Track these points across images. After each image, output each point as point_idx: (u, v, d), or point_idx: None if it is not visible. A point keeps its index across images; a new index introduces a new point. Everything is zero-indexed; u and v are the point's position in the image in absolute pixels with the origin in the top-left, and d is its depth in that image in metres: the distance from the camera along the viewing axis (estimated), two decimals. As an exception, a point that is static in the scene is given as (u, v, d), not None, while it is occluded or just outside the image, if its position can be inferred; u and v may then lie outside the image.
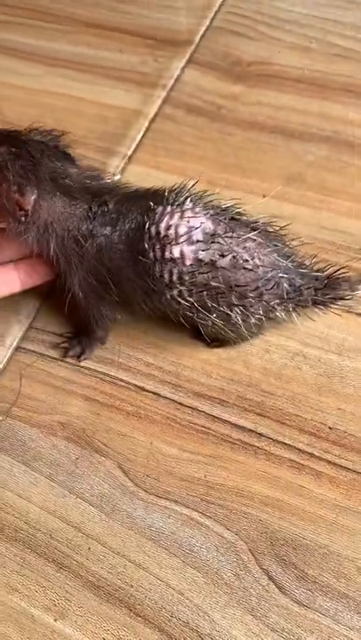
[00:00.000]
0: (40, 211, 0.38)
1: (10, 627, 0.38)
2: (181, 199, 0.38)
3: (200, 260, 0.37)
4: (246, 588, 0.38)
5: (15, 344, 0.48)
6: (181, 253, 0.37)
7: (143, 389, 0.45)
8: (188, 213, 0.38)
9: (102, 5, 0.66)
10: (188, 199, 0.39)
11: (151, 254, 0.38)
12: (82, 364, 0.46)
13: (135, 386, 0.45)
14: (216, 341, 0.44)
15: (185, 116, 0.57)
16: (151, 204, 0.38)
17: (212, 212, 0.38)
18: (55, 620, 0.38)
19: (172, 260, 0.37)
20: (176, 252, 0.37)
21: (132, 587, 0.39)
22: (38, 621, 0.38)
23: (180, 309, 0.39)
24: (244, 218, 0.39)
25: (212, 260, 0.37)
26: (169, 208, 0.38)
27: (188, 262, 0.37)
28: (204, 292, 0.38)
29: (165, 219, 0.37)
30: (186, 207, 0.38)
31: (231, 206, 0.39)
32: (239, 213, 0.39)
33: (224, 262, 0.37)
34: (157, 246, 0.37)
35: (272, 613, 0.37)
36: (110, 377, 0.46)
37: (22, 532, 0.41)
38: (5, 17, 0.66)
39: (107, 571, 0.39)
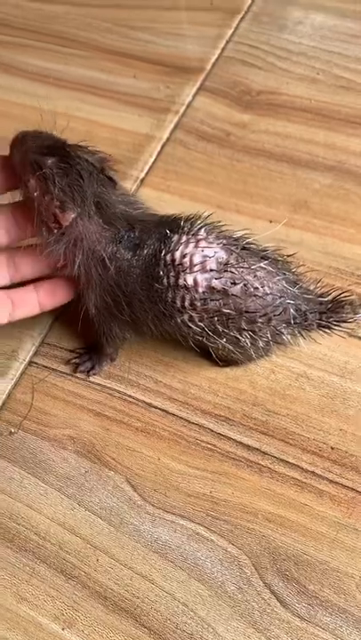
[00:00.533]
0: (74, 228, 0.40)
1: (19, 635, 0.39)
2: (196, 228, 0.40)
3: (213, 288, 0.39)
4: (249, 602, 0.39)
5: (28, 359, 0.49)
6: (195, 281, 0.39)
7: (151, 406, 0.46)
8: (203, 243, 0.39)
9: (116, 32, 0.68)
10: (203, 229, 0.40)
11: (165, 280, 0.39)
12: (92, 379, 0.48)
13: (144, 402, 0.47)
14: (224, 362, 0.46)
15: (196, 142, 0.59)
16: (167, 231, 0.40)
17: (224, 241, 0.40)
18: (63, 629, 0.39)
19: (186, 287, 0.39)
20: (190, 279, 0.39)
21: (138, 598, 0.40)
22: (46, 630, 0.40)
23: (191, 333, 0.41)
24: (254, 247, 0.41)
25: (224, 287, 0.39)
26: (184, 237, 0.40)
27: (200, 290, 0.39)
28: (215, 318, 0.39)
29: (181, 247, 0.39)
30: (200, 236, 0.40)
31: (242, 236, 0.41)
32: (249, 243, 0.41)
33: (235, 290, 0.39)
34: (172, 273, 0.39)
35: (274, 627, 0.38)
36: (120, 393, 0.47)
37: (32, 543, 0.42)
38: (20, 40, 0.69)
39: (114, 582, 0.41)
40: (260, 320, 0.39)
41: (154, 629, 0.39)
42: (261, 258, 0.40)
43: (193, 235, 0.40)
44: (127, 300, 0.41)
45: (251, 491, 0.42)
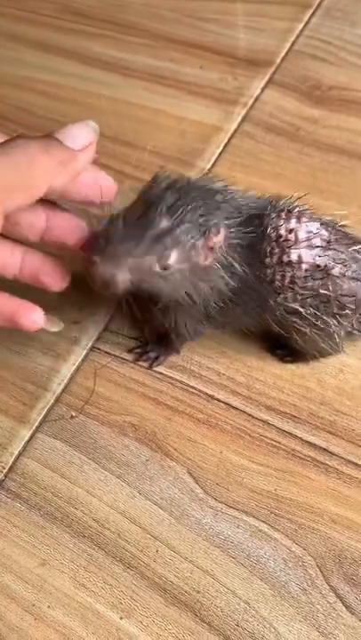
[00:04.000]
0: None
1: (76, 621, 0.39)
2: (290, 207, 0.39)
3: (317, 266, 0.38)
4: (313, 604, 0.38)
5: (90, 344, 0.49)
6: (299, 257, 0.38)
7: (214, 398, 0.46)
8: (304, 219, 0.38)
9: (184, 23, 0.68)
10: (296, 208, 0.39)
11: (268, 259, 0.38)
12: (154, 368, 0.47)
13: (206, 394, 0.46)
14: (291, 357, 0.45)
15: (264, 135, 0.58)
16: (267, 211, 0.39)
17: (320, 220, 0.39)
18: (121, 619, 0.39)
19: (290, 263, 0.38)
20: (294, 255, 0.38)
21: (198, 592, 0.39)
22: (104, 618, 0.39)
23: (279, 317, 0.39)
24: (347, 231, 0.40)
25: (326, 266, 0.38)
26: (283, 214, 0.39)
27: (304, 267, 0.38)
28: (310, 299, 0.38)
29: (283, 223, 0.38)
30: (298, 214, 0.39)
31: (333, 219, 0.40)
32: (342, 226, 0.40)
33: (336, 271, 0.38)
34: (276, 250, 0.38)
35: (339, 632, 0.37)
36: (181, 383, 0.46)
37: (91, 529, 0.42)
38: (90, 28, 0.69)
39: (174, 574, 0.40)
40: (349, 305, 0.38)
41: (214, 625, 0.38)
42: (355, 242, 0.39)
43: (290, 212, 0.39)
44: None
45: (317, 491, 0.41)
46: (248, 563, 0.40)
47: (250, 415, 0.45)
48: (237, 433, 0.44)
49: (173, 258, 0.35)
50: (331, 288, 0.38)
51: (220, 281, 0.38)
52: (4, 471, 0.44)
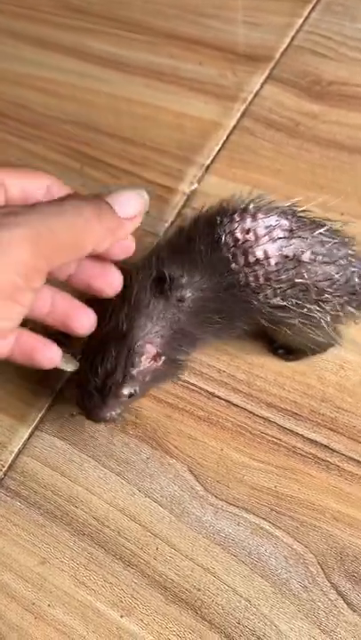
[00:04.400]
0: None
1: (76, 619, 0.39)
2: (243, 206, 0.39)
3: (285, 257, 0.37)
4: (314, 601, 0.38)
5: (90, 342, 0.48)
6: (265, 253, 0.37)
7: (214, 395, 0.45)
8: (260, 215, 0.38)
9: (183, 18, 0.67)
10: (250, 205, 0.39)
11: (234, 264, 0.38)
12: (154, 366, 0.47)
13: (207, 392, 0.46)
14: (291, 355, 0.45)
15: (263, 131, 0.58)
16: (217, 218, 0.38)
17: (278, 211, 0.39)
18: (121, 617, 0.39)
19: (257, 261, 0.37)
20: (260, 252, 0.37)
21: (199, 590, 0.39)
22: (104, 616, 0.39)
23: (266, 314, 0.39)
24: (306, 216, 0.40)
25: (295, 254, 0.37)
26: (236, 215, 0.38)
27: (273, 261, 0.37)
28: (288, 291, 0.38)
29: (238, 225, 0.38)
30: (252, 211, 0.38)
31: (291, 206, 0.40)
32: (302, 211, 0.39)
33: (306, 257, 0.38)
34: (238, 253, 0.38)
35: (340, 629, 0.37)
36: (182, 381, 0.46)
37: (90, 527, 0.42)
38: (89, 25, 0.68)
39: (174, 572, 0.40)
40: (328, 289, 0.38)
41: (215, 623, 0.38)
42: (318, 225, 0.39)
43: (244, 211, 0.38)
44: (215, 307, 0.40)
45: (318, 488, 0.41)
46: (249, 560, 0.39)
47: (251, 412, 0.44)
48: (238, 430, 0.44)
49: (134, 387, 0.39)
50: (306, 276, 0.38)
51: (184, 350, 0.40)
52: (4, 469, 0.44)
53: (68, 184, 0.51)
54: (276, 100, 0.60)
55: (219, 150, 0.57)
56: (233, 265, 0.38)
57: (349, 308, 0.40)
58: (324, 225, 0.39)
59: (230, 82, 0.62)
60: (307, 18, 0.65)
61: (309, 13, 0.65)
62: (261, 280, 0.38)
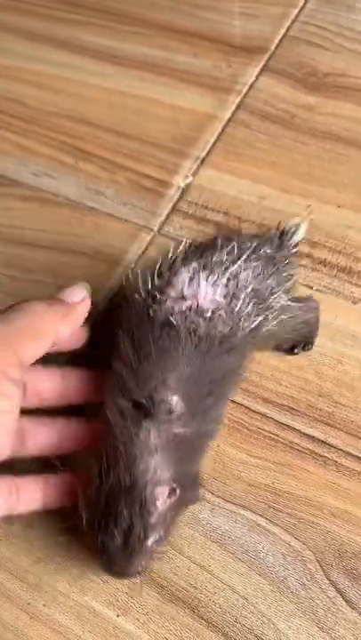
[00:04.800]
0: None
1: (72, 619, 0.38)
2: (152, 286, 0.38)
3: (216, 299, 0.37)
4: (313, 599, 0.37)
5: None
6: (201, 307, 0.37)
7: (210, 392, 0.45)
8: (170, 283, 0.38)
9: (178, 10, 0.66)
10: (155, 278, 0.38)
11: (189, 335, 0.36)
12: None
13: (203, 387, 0.45)
14: (291, 350, 0.44)
15: (259, 123, 0.57)
16: (150, 311, 0.37)
17: (181, 262, 0.39)
18: (118, 616, 0.38)
19: (213, 313, 0.37)
20: (208, 304, 0.37)
21: (196, 589, 0.39)
22: (100, 616, 0.38)
23: (257, 339, 0.39)
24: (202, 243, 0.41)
25: (228, 290, 0.38)
26: (159, 296, 0.37)
27: (211, 308, 0.37)
28: (249, 309, 0.38)
29: (156, 306, 0.37)
30: (173, 271, 0.38)
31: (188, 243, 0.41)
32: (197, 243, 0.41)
33: (242, 280, 0.38)
34: (181, 324, 0.36)
35: (339, 627, 0.37)
36: (177, 377, 0.46)
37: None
38: (80, 17, 0.67)
39: (171, 571, 0.39)
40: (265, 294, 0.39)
41: (212, 622, 0.37)
42: (204, 250, 0.39)
43: (159, 278, 0.38)
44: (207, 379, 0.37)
45: (315, 484, 0.41)
46: (246, 558, 0.39)
47: (247, 408, 0.44)
48: (234, 426, 0.43)
49: (158, 533, 0.35)
50: (254, 294, 0.38)
51: (194, 459, 0.37)
52: None
53: (63, 179, 0.50)
54: (271, 91, 0.59)
55: (214, 143, 0.57)
56: (200, 333, 0.36)
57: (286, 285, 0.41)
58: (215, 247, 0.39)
59: (225, 73, 0.61)
60: (302, 8, 0.64)
61: (305, 4, 0.64)
62: (230, 322, 0.37)
